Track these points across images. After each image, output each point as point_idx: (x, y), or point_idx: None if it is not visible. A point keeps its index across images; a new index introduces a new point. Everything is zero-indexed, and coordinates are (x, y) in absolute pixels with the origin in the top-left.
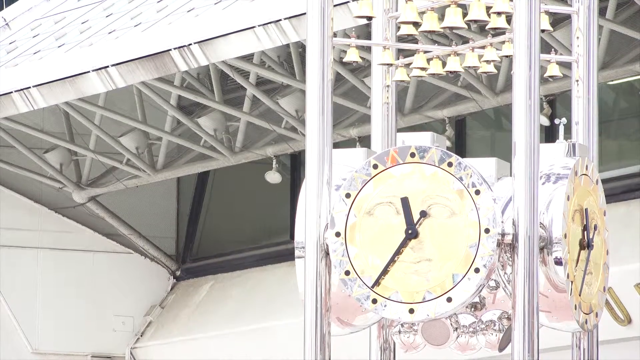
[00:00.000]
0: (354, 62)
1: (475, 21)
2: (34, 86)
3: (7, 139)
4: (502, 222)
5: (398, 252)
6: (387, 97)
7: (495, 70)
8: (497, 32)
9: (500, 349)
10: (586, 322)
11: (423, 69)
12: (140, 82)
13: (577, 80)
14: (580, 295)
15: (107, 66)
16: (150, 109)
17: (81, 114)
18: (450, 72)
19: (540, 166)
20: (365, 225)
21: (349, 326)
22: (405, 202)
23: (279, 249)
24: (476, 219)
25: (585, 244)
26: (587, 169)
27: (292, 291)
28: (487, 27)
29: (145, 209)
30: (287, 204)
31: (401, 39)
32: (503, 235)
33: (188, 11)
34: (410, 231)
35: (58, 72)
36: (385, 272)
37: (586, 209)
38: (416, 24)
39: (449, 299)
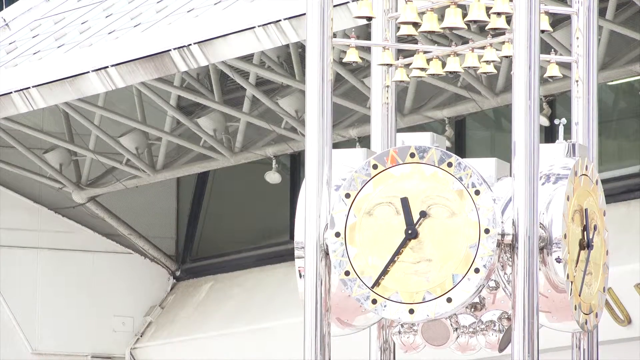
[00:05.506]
0: (353, 62)
1: (475, 21)
2: (33, 86)
3: (7, 139)
4: (502, 222)
5: (398, 253)
6: (387, 98)
7: (495, 71)
8: (497, 32)
9: (500, 350)
10: (586, 323)
11: (423, 69)
12: (139, 82)
13: (577, 81)
14: (580, 296)
15: (107, 66)
16: (150, 109)
17: (81, 114)
18: (450, 72)
19: (540, 166)
20: (365, 225)
21: (349, 326)
22: (405, 202)
23: (278, 249)
24: (476, 219)
25: (585, 244)
26: (586, 169)
27: (291, 291)
28: (486, 28)
29: (145, 209)
30: (286, 205)
31: (401, 39)
32: (503, 235)
33: (188, 11)
34: (410, 231)
35: (58, 72)
36: (385, 272)
37: (586, 209)
38: (416, 25)
39: (449, 300)
